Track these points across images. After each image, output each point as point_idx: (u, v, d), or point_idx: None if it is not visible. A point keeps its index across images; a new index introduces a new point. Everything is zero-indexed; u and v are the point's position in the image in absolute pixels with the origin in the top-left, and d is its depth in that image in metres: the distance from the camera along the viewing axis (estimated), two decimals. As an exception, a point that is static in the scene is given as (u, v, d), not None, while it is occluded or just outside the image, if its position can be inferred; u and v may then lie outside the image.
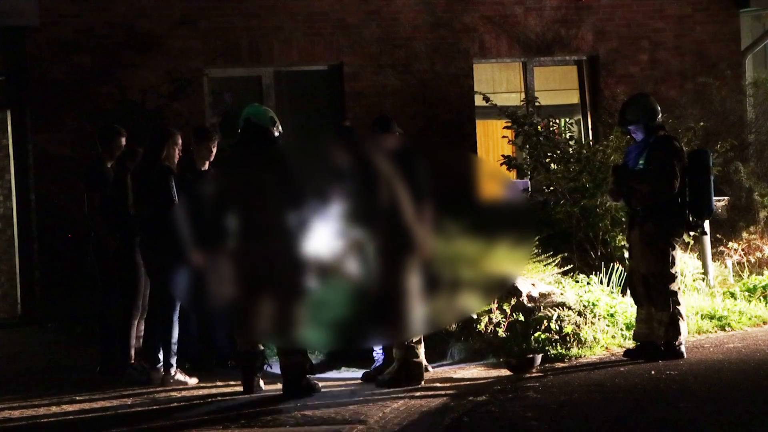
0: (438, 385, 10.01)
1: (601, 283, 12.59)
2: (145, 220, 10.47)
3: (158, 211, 10.17)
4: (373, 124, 10.80)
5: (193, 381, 10.55)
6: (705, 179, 10.67)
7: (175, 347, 10.51)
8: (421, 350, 10.04)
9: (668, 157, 10.61)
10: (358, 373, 10.69)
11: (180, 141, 10.70)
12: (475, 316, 11.30)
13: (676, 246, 10.77)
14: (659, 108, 10.88)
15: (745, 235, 14.57)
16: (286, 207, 8.30)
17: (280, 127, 10.17)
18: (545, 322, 11.33)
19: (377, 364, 10.46)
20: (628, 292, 11.55)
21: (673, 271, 10.67)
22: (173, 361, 10.50)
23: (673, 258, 10.68)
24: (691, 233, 11.38)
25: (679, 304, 10.67)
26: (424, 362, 10.16)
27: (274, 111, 11.38)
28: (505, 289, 11.19)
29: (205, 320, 10.86)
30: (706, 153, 10.86)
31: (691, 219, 10.71)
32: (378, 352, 10.51)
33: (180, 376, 10.51)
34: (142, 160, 10.66)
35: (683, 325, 10.71)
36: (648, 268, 10.76)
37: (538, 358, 10.70)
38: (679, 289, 10.78)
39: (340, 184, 8.25)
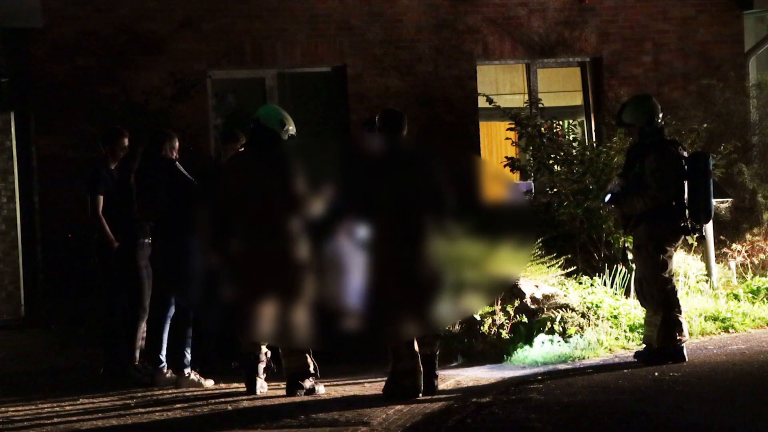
0: (441, 386, 10.00)
1: (605, 284, 12.59)
2: (157, 222, 10.47)
3: (178, 201, 10.19)
4: (379, 119, 10.12)
5: (209, 383, 10.53)
6: (704, 183, 10.62)
7: (188, 348, 10.50)
8: (412, 362, 9.54)
9: (658, 167, 10.55)
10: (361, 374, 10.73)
11: (177, 143, 10.74)
12: (478, 318, 11.31)
13: (670, 250, 10.71)
14: (660, 111, 10.84)
15: (748, 236, 14.57)
16: (288, 209, 8.30)
17: (291, 129, 10.13)
18: (548, 323, 11.33)
19: None
20: (632, 293, 11.55)
21: (665, 274, 10.62)
22: (187, 362, 10.49)
23: (665, 262, 10.62)
24: (688, 237, 11.34)
25: (674, 308, 10.61)
26: (419, 370, 9.59)
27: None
28: (506, 290, 11.19)
29: (212, 323, 10.82)
30: (706, 156, 10.81)
31: (689, 223, 10.67)
32: None
33: (194, 377, 10.50)
34: (141, 163, 10.65)
35: (684, 328, 10.66)
36: (640, 271, 10.77)
37: None
38: (676, 292, 10.73)
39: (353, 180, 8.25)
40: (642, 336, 11.00)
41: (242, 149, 10.78)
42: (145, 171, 10.58)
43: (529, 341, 11.21)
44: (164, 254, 10.21)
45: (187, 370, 10.49)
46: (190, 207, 9.15)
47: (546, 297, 11.72)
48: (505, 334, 11.31)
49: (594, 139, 15.30)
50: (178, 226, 9.10)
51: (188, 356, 10.50)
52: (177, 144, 10.76)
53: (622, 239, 12.96)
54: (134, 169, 10.75)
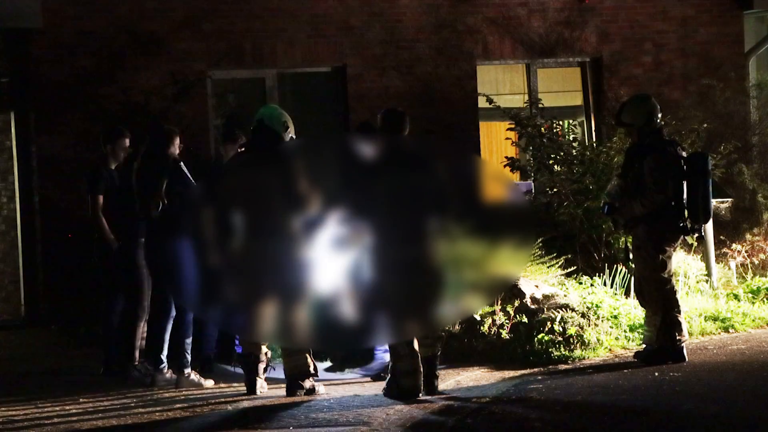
0: (441, 386, 10.00)
1: (605, 284, 12.60)
2: (153, 221, 10.48)
3: (178, 201, 10.22)
4: (381, 119, 10.12)
5: (209, 383, 10.53)
6: (703, 183, 10.62)
7: (188, 348, 10.51)
8: (412, 362, 9.53)
9: (656, 167, 10.55)
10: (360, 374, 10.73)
11: (178, 141, 10.76)
12: (478, 318, 11.31)
13: (669, 250, 10.72)
14: (658, 111, 10.85)
15: (748, 236, 14.57)
16: (290, 209, 8.30)
17: (292, 132, 10.19)
18: (549, 323, 11.33)
19: (376, 363, 10.52)
20: (632, 293, 11.56)
21: (664, 275, 10.62)
22: (187, 362, 10.50)
23: (664, 262, 10.63)
24: (687, 238, 11.33)
25: (673, 308, 10.61)
26: (419, 370, 9.58)
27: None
28: (506, 290, 11.19)
29: (212, 323, 10.83)
30: (705, 157, 10.81)
31: (688, 224, 10.67)
32: (379, 351, 10.55)
33: (194, 377, 10.50)
34: (144, 160, 10.66)
35: (683, 328, 10.67)
36: (639, 271, 10.78)
37: None
38: (675, 292, 10.74)
39: (349, 183, 8.26)
40: (642, 336, 11.01)
41: (242, 149, 10.79)
42: (147, 169, 10.58)
43: (529, 341, 11.20)
44: (164, 254, 10.21)
45: (187, 371, 10.49)
46: (190, 207, 9.15)
47: (546, 297, 11.72)
48: (505, 334, 11.31)
49: (594, 139, 15.30)
50: (177, 225, 9.10)
51: (188, 356, 10.51)
52: (178, 140, 10.78)
53: (622, 239, 12.96)
54: (136, 167, 10.76)
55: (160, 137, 10.67)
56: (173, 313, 10.56)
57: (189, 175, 10.56)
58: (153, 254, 10.47)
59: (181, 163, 10.60)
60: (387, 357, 10.62)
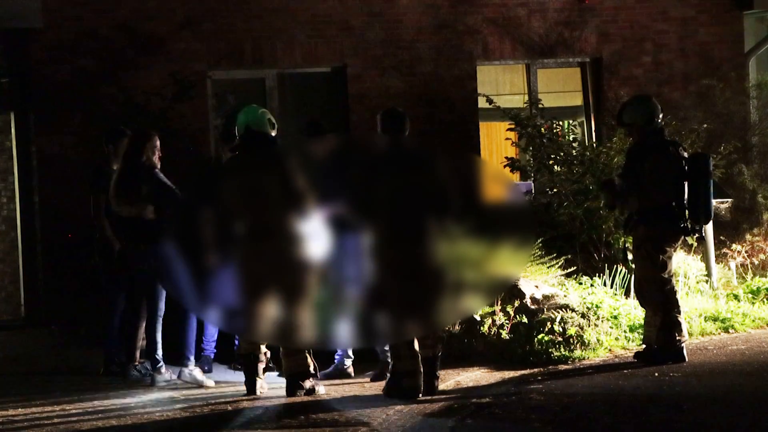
0: (441, 386, 10.00)
1: (605, 285, 12.60)
2: (137, 222, 10.50)
3: (165, 209, 10.23)
4: (381, 119, 10.22)
5: (209, 383, 10.54)
6: (704, 184, 10.63)
7: (192, 343, 10.53)
8: (412, 363, 9.58)
9: (656, 167, 10.56)
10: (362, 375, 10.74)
11: (158, 143, 10.74)
12: (478, 318, 11.31)
13: (670, 250, 10.72)
14: (660, 111, 10.86)
15: (748, 237, 14.57)
16: (290, 209, 8.30)
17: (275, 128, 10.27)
18: (548, 324, 11.33)
19: (332, 367, 10.62)
20: (632, 293, 11.56)
21: (664, 275, 10.63)
22: (190, 355, 10.52)
23: (664, 262, 10.64)
24: (688, 238, 11.34)
25: (673, 308, 10.62)
26: (419, 371, 9.63)
27: (277, 113, 11.23)
28: (506, 290, 11.20)
29: (212, 323, 10.85)
30: (706, 157, 10.82)
31: (688, 224, 10.68)
32: (338, 355, 10.64)
33: (197, 373, 10.51)
34: (124, 163, 10.67)
35: (683, 329, 10.68)
36: (639, 271, 10.79)
37: None
38: (675, 292, 10.74)
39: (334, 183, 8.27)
40: (642, 336, 11.01)
41: (236, 152, 10.78)
42: (127, 173, 10.59)
43: (529, 341, 11.21)
44: (160, 255, 10.21)
45: (191, 365, 10.51)
46: (188, 208, 9.14)
47: (546, 297, 11.72)
48: (505, 334, 11.31)
49: (594, 140, 15.30)
50: (173, 227, 9.09)
51: (192, 351, 10.54)
52: (158, 143, 10.77)
53: (622, 239, 12.97)
54: (117, 170, 10.77)
55: (137, 143, 10.67)
56: (161, 312, 10.58)
57: (167, 182, 10.53)
58: (146, 258, 10.48)
59: (156, 171, 10.56)
60: (347, 362, 10.71)
